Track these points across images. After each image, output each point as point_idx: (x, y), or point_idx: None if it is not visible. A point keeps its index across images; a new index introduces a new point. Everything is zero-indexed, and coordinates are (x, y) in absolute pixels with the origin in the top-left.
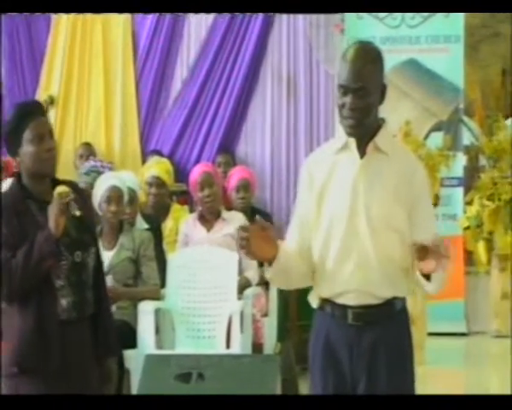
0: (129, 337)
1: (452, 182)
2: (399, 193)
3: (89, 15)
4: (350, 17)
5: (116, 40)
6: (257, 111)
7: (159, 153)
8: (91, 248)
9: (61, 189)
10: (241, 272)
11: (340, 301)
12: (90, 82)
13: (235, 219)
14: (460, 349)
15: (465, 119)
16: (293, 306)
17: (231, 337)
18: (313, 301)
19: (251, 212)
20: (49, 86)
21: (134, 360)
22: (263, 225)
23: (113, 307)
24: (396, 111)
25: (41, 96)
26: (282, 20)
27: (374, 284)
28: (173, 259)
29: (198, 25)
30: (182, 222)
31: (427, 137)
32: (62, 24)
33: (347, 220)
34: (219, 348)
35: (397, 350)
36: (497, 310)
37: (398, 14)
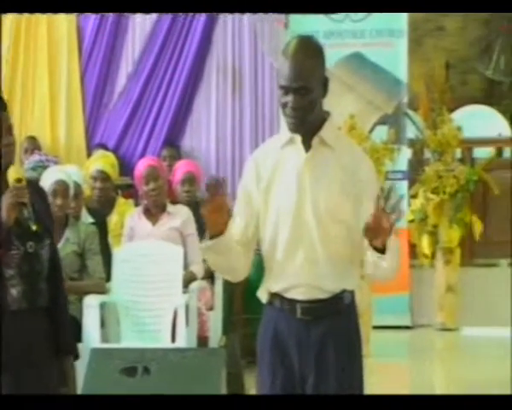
0: (74, 331)
1: (397, 175)
2: (345, 186)
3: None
4: None
5: (61, 35)
6: (202, 105)
7: (104, 147)
8: (45, 240)
9: (15, 175)
10: (186, 265)
11: (289, 295)
12: (34, 77)
13: (180, 213)
14: (404, 342)
15: (409, 112)
16: (239, 299)
17: (176, 331)
18: (262, 296)
19: (196, 205)
20: None
21: (79, 353)
22: (218, 193)
23: None
24: (340, 105)
25: None
26: (227, 15)
27: (322, 278)
28: (118, 253)
29: (143, 19)
30: (127, 216)
31: (371, 130)
32: (7, 22)
33: (294, 215)
34: (165, 342)
35: (345, 344)
36: (442, 303)
37: None
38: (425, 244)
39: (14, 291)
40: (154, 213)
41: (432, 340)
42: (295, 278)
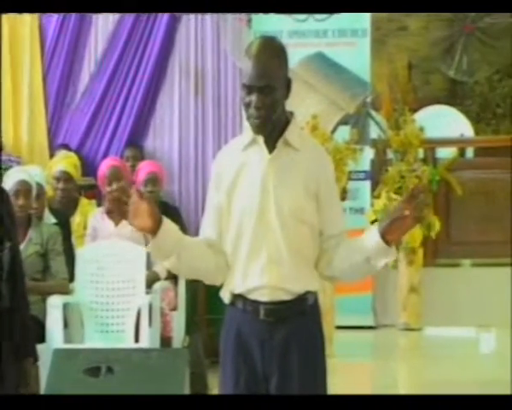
0: (37, 332)
1: (359, 175)
2: (309, 187)
3: None
4: None
5: (23, 34)
6: (165, 105)
7: (66, 147)
8: (6, 243)
9: None
10: (149, 266)
11: (253, 296)
12: None
13: None
14: (368, 342)
15: (372, 112)
16: (202, 299)
17: (140, 331)
18: (225, 297)
19: (159, 206)
20: None
21: (42, 354)
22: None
23: None
24: (303, 105)
25: None
26: (190, 15)
27: (286, 280)
28: (81, 253)
29: (105, 19)
30: (90, 216)
31: (334, 130)
32: None
33: (258, 216)
34: (128, 343)
35: (309, 345)
36: (405, 303)
37: None
38: None
39: None
40: (116, 213)
41: (395, 340)
42: (259, 279)
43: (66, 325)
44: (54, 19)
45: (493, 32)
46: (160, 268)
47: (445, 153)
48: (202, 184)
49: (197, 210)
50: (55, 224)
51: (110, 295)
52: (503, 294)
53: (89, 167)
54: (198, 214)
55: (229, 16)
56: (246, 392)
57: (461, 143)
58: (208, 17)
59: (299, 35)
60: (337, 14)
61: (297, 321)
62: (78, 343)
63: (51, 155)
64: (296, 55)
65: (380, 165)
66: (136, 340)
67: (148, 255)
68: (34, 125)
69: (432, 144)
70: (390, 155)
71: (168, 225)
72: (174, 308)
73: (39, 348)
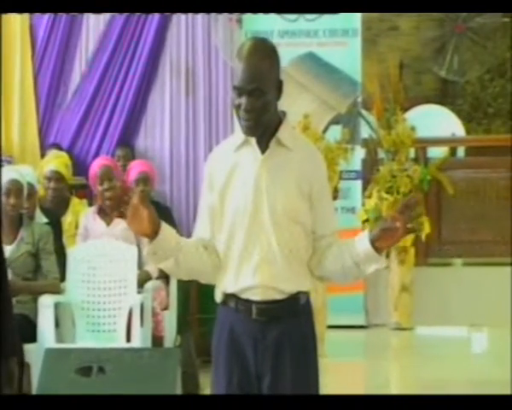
0: (29, 331)
1: (351, 175)
2: (302, 187)
3: None
4: None
5: (14, 34)
6: (156, 104)
7: (58, 146)
8: None
9: None
10: (141, 265)
11: (245, 296)
12: None
13: None
14: (359, 342)
15: (363, 112)
16: (194, 299)
17: (131, 331)
18: (217, 296)
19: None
20: None
21: (34, 354)
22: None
23: (13, 301)
24: (294, 104)
25: None
26: (181, 15)
27: (279, 279)
28: (73, 252)
29: (96, 18)
30: (81, 216)
31: (325, 130)
32: None
33: (251, 216)
34: (120, 342)
35: (301, 345)
36: (397, 303)
37: None
38: None
39: None
40: (108, 212)
41: (387, 339)
42: (251, 279)
43: (57, 324)
44: (44, 19)
45: (484, 32)
46: (152, 268)
47: (437, 152)
48: (193, 183)
49: (188, 210)
50: (47, 223)
51: (101, 294)
52: (495, 293)
53: (80, 167)
54: (189, 214)
55: (221, 16)
56: (238, 392)
57: (452, 142)
58: (199, 16)
59: (290, 35)
60: (328, 14)
61: (289, 321)
62: (69, 343)
63: (42, 155)
64: (287, 54)
65: (371, 164)
66: (128, 339)
67: (140, 255)
68: (25, 125)
69: (423, 144)
70: (381, 154)
71: (166, 230)
72: (166, 308)
73: (31, 347)
